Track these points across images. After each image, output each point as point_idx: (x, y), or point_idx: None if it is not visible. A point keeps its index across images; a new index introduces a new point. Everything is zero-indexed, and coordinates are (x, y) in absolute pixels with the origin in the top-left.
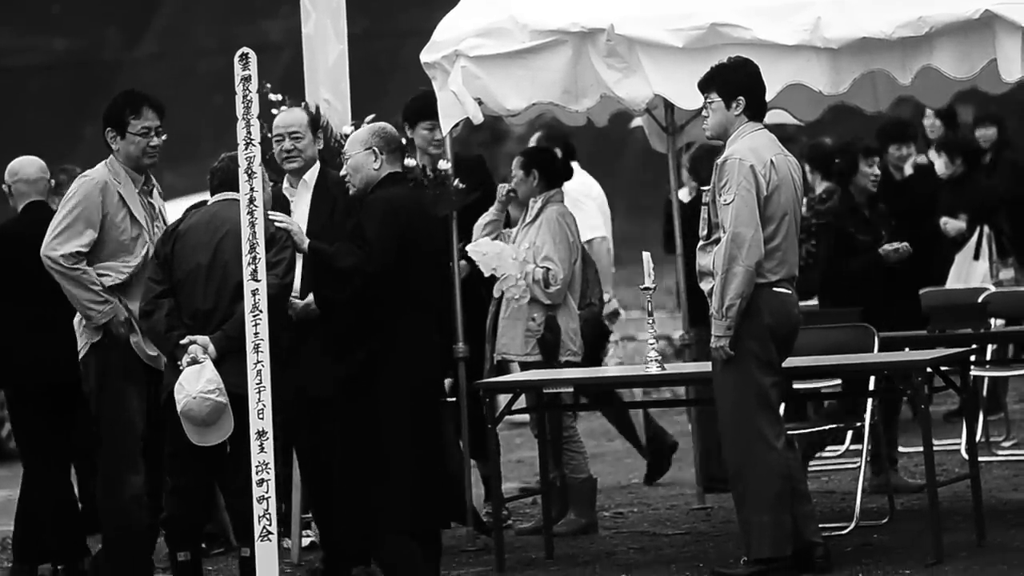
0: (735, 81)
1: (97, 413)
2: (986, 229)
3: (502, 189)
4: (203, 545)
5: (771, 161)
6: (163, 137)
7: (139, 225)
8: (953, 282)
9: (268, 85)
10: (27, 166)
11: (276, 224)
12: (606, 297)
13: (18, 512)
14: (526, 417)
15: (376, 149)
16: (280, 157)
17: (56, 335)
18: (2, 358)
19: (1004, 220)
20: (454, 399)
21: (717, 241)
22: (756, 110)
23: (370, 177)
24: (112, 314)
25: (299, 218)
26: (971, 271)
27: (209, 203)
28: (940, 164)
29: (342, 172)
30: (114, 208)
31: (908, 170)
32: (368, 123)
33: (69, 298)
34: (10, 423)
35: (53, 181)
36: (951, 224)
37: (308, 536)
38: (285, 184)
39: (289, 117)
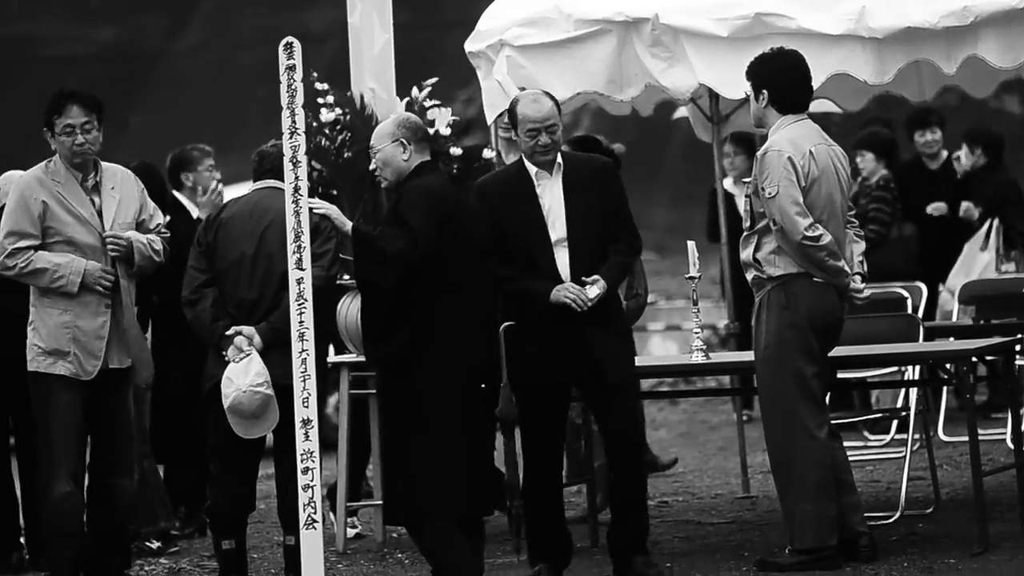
0: (760, 75)
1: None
2: (996, 222)
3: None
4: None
5: (810, 152)
6: (93, 133)
7: (84, 222)
8: (958, 271)
9: (315, 74)
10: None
11: (314, 210)
12: None
13: None
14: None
15: (403, 140)
16: (532, 150)
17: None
18: None
19: (1017, 215)
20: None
21: (759, 232)
22: (786, 102)
23: (401, 169)
24: (79, 269)
25: (555, 208)
26: (975, 261)
27: (251, 191)
28: (963, 154)
29: (371, 166)
30: (49, 207)
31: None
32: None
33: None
34: None
35: None
36: (967, 209)
37: (354, 527)
38: (531, 170)
39: (544, 109)
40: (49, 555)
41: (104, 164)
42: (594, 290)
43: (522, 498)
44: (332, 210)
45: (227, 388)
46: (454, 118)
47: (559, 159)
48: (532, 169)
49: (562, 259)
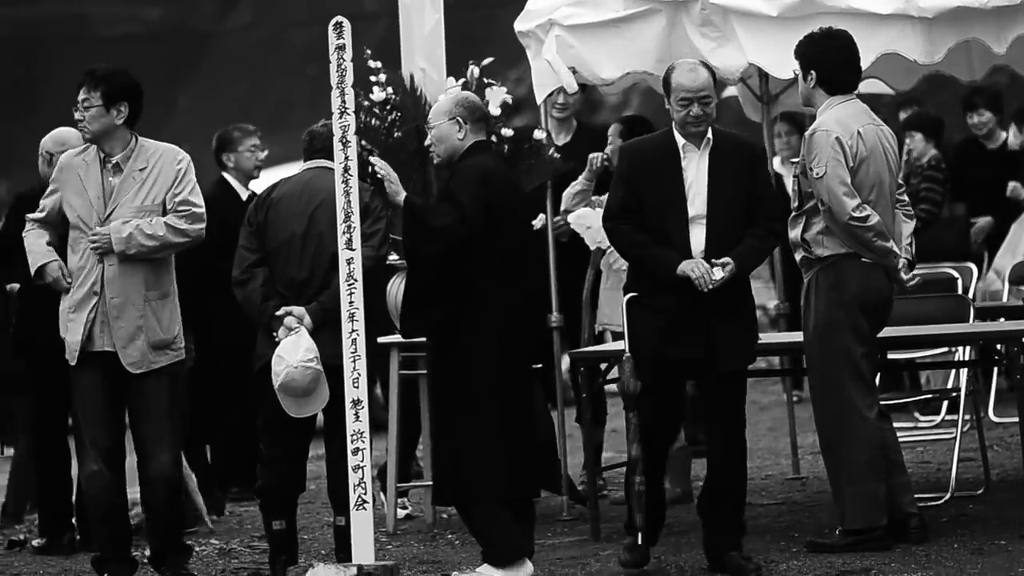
0: (807, 55)
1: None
2: None
3: (595, 158)
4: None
5: (858, 132)
6: (92, 111)
7: (88, 203)
8: (1004, 251)
9: (368, 51)
10: (74, 138)
11: (376, 171)
12: None
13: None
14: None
15: (460, 119)
16: (683, 121)
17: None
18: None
19: None
20: (542, 366)
21: (808, 212)
22: (834, 83)
23: (455, 147)
24: (33, 264)
25: (698, 183)
26: (1022, 241)
27: (301, 170)
28: (1011, 133)
29: (427, 142)
30: (70, 187)
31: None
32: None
33: None
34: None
35: None
36: (1015, 188)
37: (404, 508)
38: (679, 142)
39: (699, 79)
40: (91, 534)
41: (145, 142)
42: (720, 272)
43: (643, 474)
44: (391, 175)
45: (278, 366)
46: (508, 96)
47: (709, 134)
48: (680, 141)
49: (697, 236)
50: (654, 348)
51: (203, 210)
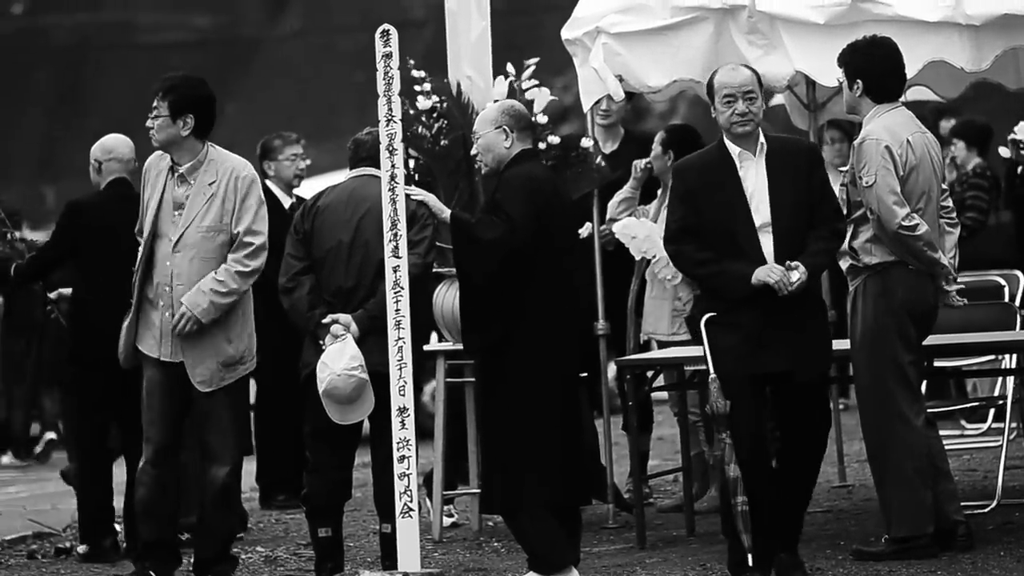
0: (854, 63)
1: None
2: None
3: (637, 166)
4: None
5: (908, 140)
6: (159, 120)
7: (154, 212)
8: None
9: (411, 61)
10: (121, 145)
11: (412, 197)
12: None
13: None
14: (666, 395)
15: (507, 128)
16: (729, 121)
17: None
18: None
19: None
20: (587, 374)
21: (856, 221)
22: (881, 91)
23: (502, 156)
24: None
25: (759, 191)
26: None
27: (347, 178)
28: None
29: (473, 151)
30: (145, 196)
31: None
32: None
33: None
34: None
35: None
36: None
37: (450, 515)
38: (733, 151)
39: (740, 76)
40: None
41: (216, 154)
42: (795, 275)
43: (745, 493)
44: (430, 198)
45: (322, 372)
46: (553, 98)
47: (762, 139)
48: (735, 150)
49: (766, 244)
50: (741, 364)
51: (265, 238)
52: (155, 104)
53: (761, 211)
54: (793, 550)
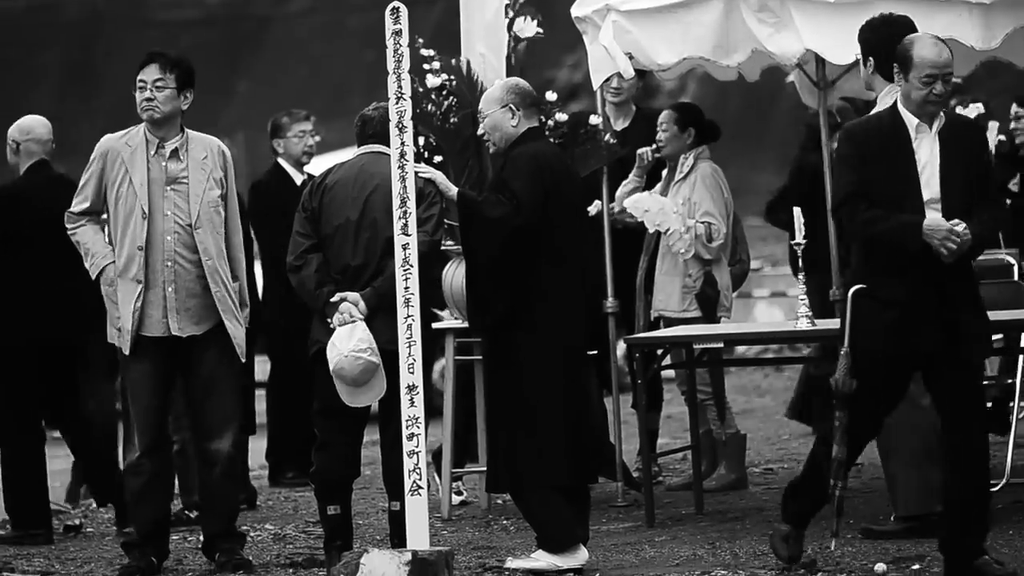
0: (867, 41)
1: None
2: None
3: (644, 153)
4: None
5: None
6: (165, 92)
7: (134, 195)
8: None
9: (420, 40)
10: (39, 126)
11: (420, 175)
12: None
13: None
14: (672, 373)
15: (512, 106)
16: (924, 99)
17: (49, 295)
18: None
19: None
20: (596, 352)
21: None
22: (888, 70)
23: (509, 134)
24: (98, 267)
25: (931, 165)
26: None
27: (355, 156)
28: None
29: (479, 131)
30: (117, 177)
31: None
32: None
33: None
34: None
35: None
36: None
37: (459, 493)
38: (909, 122)
39: (945, 54)
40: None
41: (191, 132)
42: (961, 227)
43: (844, 479)
44: (437, 175)
45: (331, 352)
46: (539, 31)
47: (940, 113)
48: (911, 121)
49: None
50: (884, 343)
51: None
52: (158, 76)
53: (931, 185)
54: (985, 550)
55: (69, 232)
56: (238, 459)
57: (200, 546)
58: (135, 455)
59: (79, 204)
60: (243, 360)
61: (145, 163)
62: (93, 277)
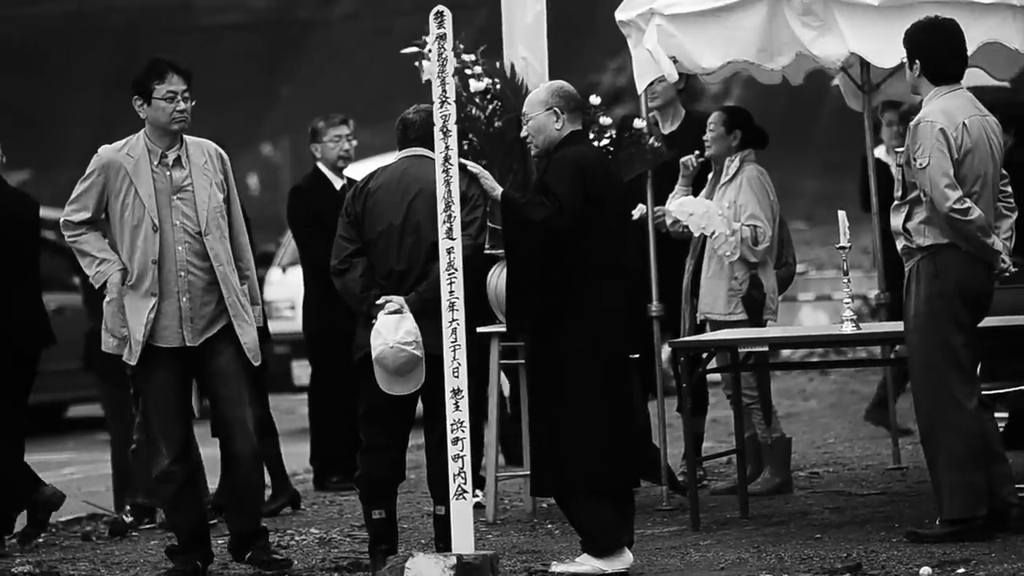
0: (912, 44)
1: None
2: None
3: (688, 162)
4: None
5: (964, 124)
6: (192, 103)
7: (142, 205)
8: None
9: (460, 45)
10: None
11: (468, 168)
12: None
13: None
14: (718, 377)
15: (557, 109)
16: None
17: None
18: None
19: None
20: (640, 356)
21: (911, 202)
22: (939, 73)
23: (552, 138)
24: (105, 276)
25: None
26: None
27: (397, 160)
28: None
29: (523, 133)
30: (121, 189)
31: None
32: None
33: None
34: None
35: (4, 158)
36: None
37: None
38: None
39: None
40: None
41: (188, 139)
42: None
43: None
44: (484, 173)
45: (375, 340)
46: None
47: None
48: None
49: None
50: None
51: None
52: (184, 87)
53: None
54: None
55: (69, 240)
56: (262, 455)
57: (227, 548)
58: (164, 463)
59: (78, 214)
60: (257, 363)
61: (150, 174)
62: (98, 285)
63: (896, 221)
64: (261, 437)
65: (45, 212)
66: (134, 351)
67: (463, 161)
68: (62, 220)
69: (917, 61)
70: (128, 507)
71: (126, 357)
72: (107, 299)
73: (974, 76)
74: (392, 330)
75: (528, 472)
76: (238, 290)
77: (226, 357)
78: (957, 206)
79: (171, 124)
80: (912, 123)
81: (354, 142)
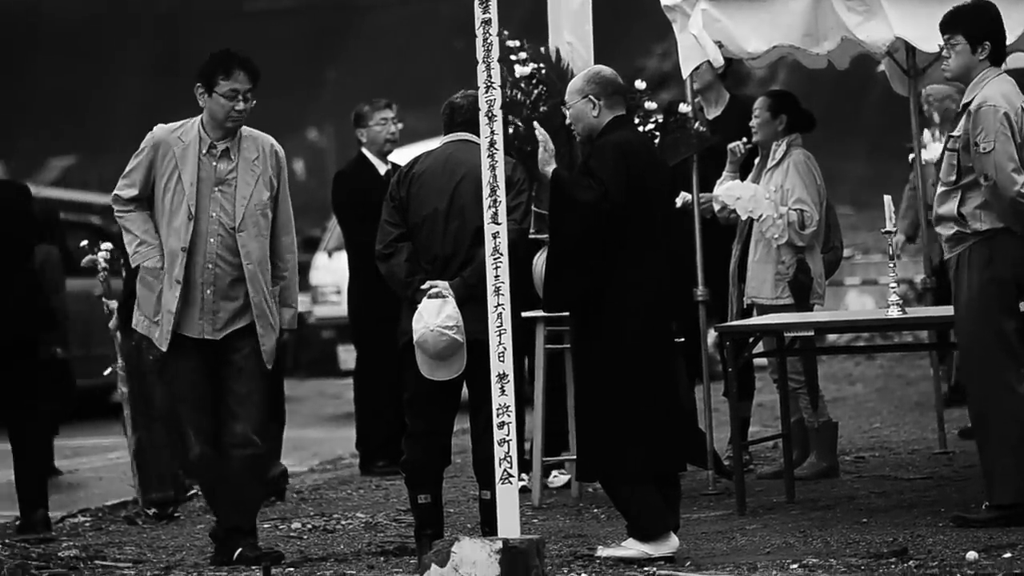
0: (982, 25)
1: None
2: None
3: (735, 148)
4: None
5: (1021, 108)
6: (252, 103)
7: (183, 191)
8: None
9: (505, 32)
10: None
11: (536, 133)
12: None
13: None
14: (764, 361)
15: (592, 97)
16: None
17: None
18: None
19: None
20: (685, 339)
21: (964, 187)
22: (998, 55)
23: (591, 125)
24: (143, 259)
25: None
26: None
27: (442, 144)
28: None
29: (567, 121)
30: (166, 171)
31: None
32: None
33: None
34: None
35: None
36: None
37: (560, 476)
38: None
39: None
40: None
41: (245, 131)
42: None
43: None
44: (549, 145)
45: (416, 323)
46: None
47: None
48: None
49: None
50: None
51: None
52: (250, 86)
53: None
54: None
55: (116, 215)
56: (263, 453)
57: (210, 534)
58: (196, 450)
59: (127, 189)
60: (269, 367)
61: (196, 161)
62: (134, 265)
63: (948, 206)
64: (267, 425)
65: (92, 198)
66: (163, 337)
67: (537, 126)
68: (113, 194)
69: (987, 43)
70: (142, 503)
71: (156, 341)
72: (139, 280)
73: (1016, 59)
74: (434, 314)
75: (574, 457)
76: (266, 291)
77: (243, 354)
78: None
79: (226, 122)
80: (973, 107)
81: (400, 125)
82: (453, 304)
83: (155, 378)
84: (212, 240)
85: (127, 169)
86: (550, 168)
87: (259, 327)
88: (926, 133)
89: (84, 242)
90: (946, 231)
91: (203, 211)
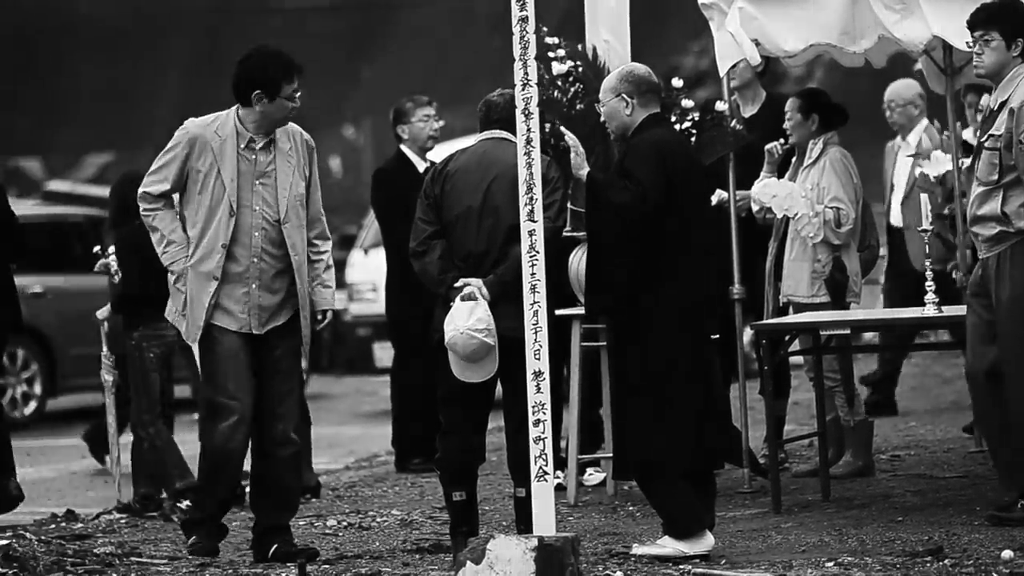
0: (1016, 22)
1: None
2: None
3: (773, 148)
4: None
5: None
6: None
7: (223, 187)
8: None
9: (544, 28)
10: None
11: (566, 137)
12: None
13: None
14: (800, 359)
15: (625, 95)
16: None
17: None
18: None
19: None
20: (720, 337)
21: (1006, 185)
22: None
23: (625, 123)
24: (172, 259)
25: None
26: None
27: (477, 141)
28: None
29: (602, 119)
30: (203, 167)
31: None
32: None
33: None
34: None
35: None
36: None
37: (596, 473)
38: None
39: None
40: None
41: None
42: None
43: None
44: (580, 148)
45: (447, 325)
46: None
47: None
48: None
49: None
50: None
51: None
52: (297, 87)
53: None
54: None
55: (144, 213)
56: (299, 454)
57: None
58: (230, 422)
59: (157, 185)
60: (305, 362)
61: (235, 156)
62: (165, 264)
63: (990, 206)
64: (303, 433)
65: None
66: (192, 333)
67: (565, 131)
68: (140, 191)
69: (1020, 40)
70: (135, 497)
71: (185, 335)
72: (171, 279)
73: None
74: (464, 317)
75: (610, 454)
76: (307, 283)
77: (283, 350)
78: None
79: (284, 120)
80: (1015, 105)
81: (441, 122)
82: (484, 307)
83: (156, 376)
84: (257, 234)
85: (157, 165)
86: (583, 171)
87: (302, 317)
88: (927, 143)
89: (97, 248)
90: (987, 231)
91: (245, 206)
